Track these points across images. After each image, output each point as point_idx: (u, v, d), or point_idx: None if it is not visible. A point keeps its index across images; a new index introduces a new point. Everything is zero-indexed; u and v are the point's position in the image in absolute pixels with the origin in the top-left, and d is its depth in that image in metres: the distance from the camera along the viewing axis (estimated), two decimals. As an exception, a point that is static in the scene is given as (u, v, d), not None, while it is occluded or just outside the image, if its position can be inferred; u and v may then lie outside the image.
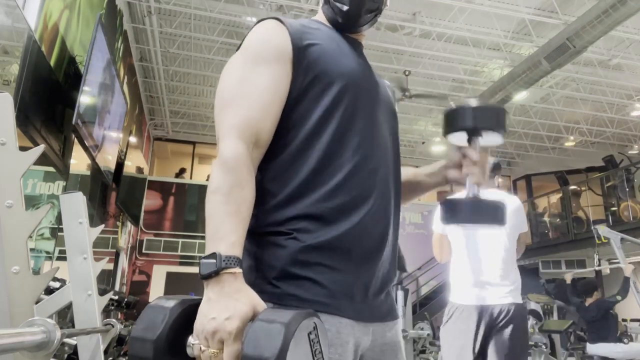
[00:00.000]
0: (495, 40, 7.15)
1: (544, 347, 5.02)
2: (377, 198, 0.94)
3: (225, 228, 0.78)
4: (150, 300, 9.39)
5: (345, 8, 1.01)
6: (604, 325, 5.08)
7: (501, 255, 2.47)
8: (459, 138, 1.03)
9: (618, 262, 5.24)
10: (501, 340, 2.35)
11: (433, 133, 10.86)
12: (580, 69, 7.87)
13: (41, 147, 1.06)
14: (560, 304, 6.61)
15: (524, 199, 12.32)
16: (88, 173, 5.08)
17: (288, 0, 6.34)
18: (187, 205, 10.12)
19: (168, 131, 10.77)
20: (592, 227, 5.69)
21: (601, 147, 10.84)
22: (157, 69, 7.95)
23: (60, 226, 1.60)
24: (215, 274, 0.74)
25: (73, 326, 1.39)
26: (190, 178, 11.02)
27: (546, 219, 10.86)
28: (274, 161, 0.91)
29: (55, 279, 2.20)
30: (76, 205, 1.42)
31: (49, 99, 3.49)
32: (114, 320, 1.74)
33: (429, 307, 9.09)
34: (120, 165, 6.00)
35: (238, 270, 0.76)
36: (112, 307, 3.42)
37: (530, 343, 5.17)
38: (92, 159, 4.40)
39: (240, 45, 0.98)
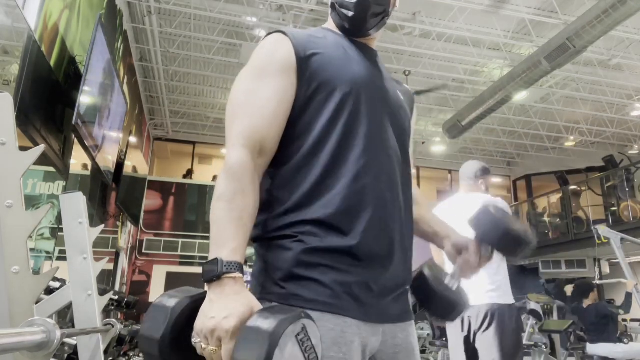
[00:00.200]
0: (495, 40, 7.15)
1: (544, 347, 5.02)
2: (383, 202, 0.94)
3: (227, 234, 0.82)
4: (150, 300, 9.42)
5: (350, 14, 1.02)
6: (604, 326, 5.08)
7: None
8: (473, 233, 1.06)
9: (619, 279, 5.30)
10: (486, 340, 2.35)
11: (433, 133, 10.86)
12: (580, 69, 7.87)
13: (41, 147, 1.06)
14: (560, 304, 6.61)
15: (524, 199, 12.32)
16: (85, 173, 5.08)
17: (288, 0, 6.34)
18: (187, 205, 10.13)
19: (168, 131, 10.77)
20: (592, 227, 5.68)
21: (601, 147, 10.84)
22: (157, 69, 7.95)
23: (60, 226, 1.60)
24: (216, 278, 0.78)
25: (73, 326, 1.39)
26: (191, 178, 11.03)
27: (546, 219, 10.86)
28: (282, 169, 0.94)
29: (55, 279, 2.20)
30: (76, 205, 1.42)
31: (49, 99, 3.49)
32: (114, 320, 1.74)
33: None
34: (120, 165, 6.00)
35: (238, 275, 0.79)
36: (112, 307, 3.42)
37: (530, 343, 5.16)
38: (92, 159, 4.41)
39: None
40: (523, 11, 6.48)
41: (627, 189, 8.82)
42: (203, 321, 0.75)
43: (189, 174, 11.15)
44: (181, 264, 9.59)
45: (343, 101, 0.95)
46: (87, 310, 1.38)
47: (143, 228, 9.54)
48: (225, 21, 6.93)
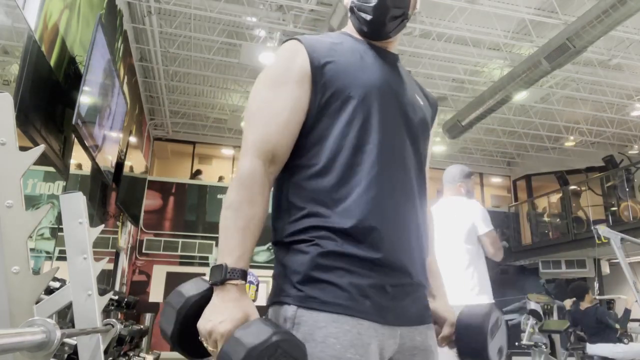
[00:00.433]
0: (495, 40, 7.15)
1: (544, 347, 5.02)
2: (397, 207, 0.95)
3: (233, 242, 0.87)
4: (150, 300, 9.40)
5: (369, 17, 1.01)
6: (603, 330, 5.10)
7: (458, 257, 2.54)
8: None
9: (619, 296, 5.36)
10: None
11: (433, 133, 10.80)
12: (580, 69, 7.86)
13: (41, 147, 1.06)
14: (560, 304, 6.60)
15: (524, 199, 12.32)
16: (82, 172, 5.07)
17: (288, 0, 6.34)
18: (187, 205, 10.12)
19: (168, 131, 10.77)
20: (592, 227, 5.68)
21: (601, 147, 10.84)
22: (157, 69, 7.95)
23: (60, 226, 1.60)
24: (220, 283, 0.84)
25: (73, 326, 1.39)
26: (190, 178, 11.02)
27: (546, 219, 10.86)
28: (298, 176, 0.96)
29: (55, 279, 2.21)
30: (76, 205, 1.42)
31: (49, 99, 3.49)
32: (114, 320, 1.74)
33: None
34: (120, 165, 5.99)
35: (240, 282, 0.85)
36: (112, 307, 3.42)
37: (530, 343, 5.17)
38: (92, 159, 4.41)
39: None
40: (523, 11, 6.48)
41: (627, 189, 8.82)
42: (203, 323, 0.83)
43: (197, 174, 11.13)
44: (181, 264, 9.58)
45: (356, 109, 0.95)
46: (87, 310, 1.37)
47: (143, 228, 9.54)
48: (225, 21, 6.93)
